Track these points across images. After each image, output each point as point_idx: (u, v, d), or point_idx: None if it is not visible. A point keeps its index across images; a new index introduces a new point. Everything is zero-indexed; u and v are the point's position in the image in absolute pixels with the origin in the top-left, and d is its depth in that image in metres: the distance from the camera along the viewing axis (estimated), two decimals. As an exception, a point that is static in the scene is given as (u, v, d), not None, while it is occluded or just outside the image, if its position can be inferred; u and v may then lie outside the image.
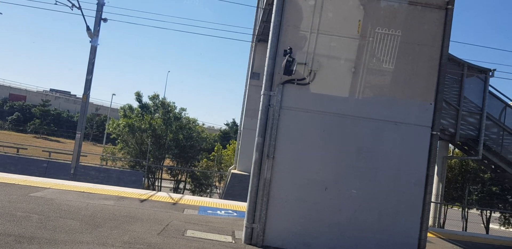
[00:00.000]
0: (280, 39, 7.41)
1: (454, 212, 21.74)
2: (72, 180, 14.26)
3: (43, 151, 30.10)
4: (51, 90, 75.78)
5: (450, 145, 16.74)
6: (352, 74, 7.44)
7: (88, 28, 17.79)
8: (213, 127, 67.42)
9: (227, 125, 58.28)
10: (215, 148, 29.50)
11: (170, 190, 24.95)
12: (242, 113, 22.00)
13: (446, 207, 19.97)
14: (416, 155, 7.41)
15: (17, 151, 28.17)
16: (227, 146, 31.77)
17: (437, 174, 15.56)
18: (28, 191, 9.07)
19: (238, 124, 27.97)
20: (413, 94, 7.48)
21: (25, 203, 7.86)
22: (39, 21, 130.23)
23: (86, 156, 27.84)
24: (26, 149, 30.12)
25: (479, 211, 21.93)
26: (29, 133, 52.77)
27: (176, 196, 11.71)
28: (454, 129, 13.51)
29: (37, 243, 5.54)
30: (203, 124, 34.09)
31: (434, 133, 7.44)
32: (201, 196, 24.56)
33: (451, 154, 19.56)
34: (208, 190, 26.41)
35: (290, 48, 7.10)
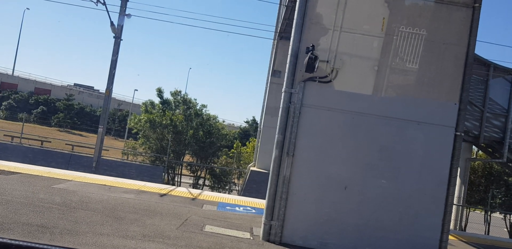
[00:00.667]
0: (303, 37, 7.37)
1: (476, 215, 21.34)
2: (94, 173, 14.49)
3: (66, 144, 30.65)
4: (75, 85, 77.07)
5: (473, 146, 16.43)
6: (375, 73, 7.35)
7: (112, 24, 18.02)
8: (233, 124, 67.58)
9: (247, 122, 58.42)
10: (235, 145, 29.61)
11: (190, 185, 25.15)
12: (262, 111, 22.01)
13: (468, 209, 19.62)
14: (439, 155, 7.28)
15: (42, 144, 28.76)
16: (247, 143, 31.87)
17: (460, 176, 15.29)
18: (51, 182, 9.26)
19: (258, 122, 27.99)
20: (438, 94, 7.35)
21: (48, 194, 8.03)
22: (65, 16, 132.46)
23: (108, 150, 28.24)
24: (50, 142, 30.71)
25: (503, 215, 21.49)
26: (53, 126, 53.82)
27: (195, 192, 11.79)
28: (478, 130, 13.25)
29: (58, 234, 5.65)
30: (223, 121, 34.25)
31: (458, 133, 7.31)
32: (220, 192, 24.69)
33: (474, 156, 19.19)
34: (227, 187, 26.55)
35: (313, 46, 7.06)
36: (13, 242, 0.62)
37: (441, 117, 7.32)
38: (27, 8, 57.36)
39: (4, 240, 0.61)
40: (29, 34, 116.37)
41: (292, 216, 7.19)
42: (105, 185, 10.05)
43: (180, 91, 27.62)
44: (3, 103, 56.67)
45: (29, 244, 0.63)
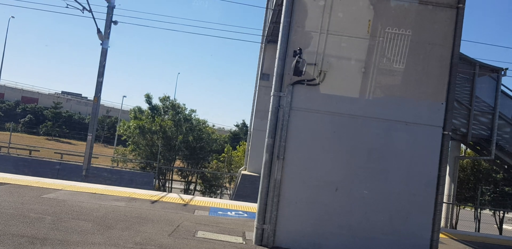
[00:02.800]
0: (290, 40, 7.40)
1: (466, 213, 21.52)
2: (84, 182, 14.36)
3: (55, 152, 30.37)
4: (63, 92, 76.53)
5: (462, 145, 16.59)
6: (362, 75, 7.40)
7: (98, 31, 17.93)
8: (223, 128, 67.50)
9: (237, 126, 58.45)
10: (225, 149, 29.57)
11: (181, 191, 25.04)
12: (252, 114, 22.03)
13: (458, 207, 19.79)
14: (428, 155, 7.34)
15: (30, 153, 28.47)
16: (237, 147, 31.83)
17: (449, 174, 15.43)
18: (40, 192, 9.16)
19: (248, 125, 27.99)
20: (424, 94, 7.42)
21: (38, 204, 7.94)
22: (50, 24, 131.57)
23: (98, 157, 28.06)
24: (39, 150, 30.41)
25: (492, 211, 21.70)
26: (41, 135, 53.31)
27: (186, 197, 11.74)
28: (466, 128, 13.39)
29: (49, 244, 5.59)
30: (213, 125, 34.16)
31: (446, 132, 7.38)
32: (212, 197, 24.61)
33: (463, 154, 19.38)
34: (218, 191, 26.48)
35: (300, 49, 7.09)
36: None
37: (428, 117, 7.39)
38: (12, 17, 56.68)
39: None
40: (15, 42, 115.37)
41: (284, 219, 7.19)
42: (95, 193, 9.97)
43: (168, 97, 27.57)
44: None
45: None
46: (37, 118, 56.56)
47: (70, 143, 51.14)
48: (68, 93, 76.30)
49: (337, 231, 7.17)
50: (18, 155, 26.20)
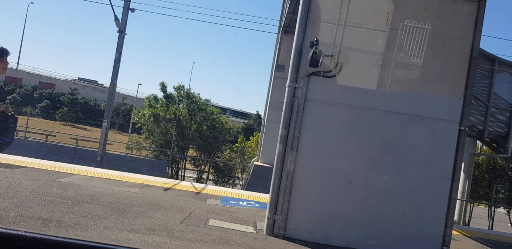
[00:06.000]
0: (307, 31, 7.35)
1: (480, 211, 21.34)
2: (98, 167, 14.56)
3: (70, 138, 30.80)
4: (79, 79, 77.19)
5: (478, 141, 16.40)
6: (379, 68, 7.33)
7: (116, 18, 18.02)
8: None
9: (250, 117, 58.37)
10: (239, 140, 29.68)
11: (193, 179, 25.23)
12: (266, 105, 21.98)
13: (472, 204, 19.62)
14: (443, 150, 7.28)
15: (46, 138, 28.90)
16: (251, 137, 31.90)
17: (464, 171, 15.29)
18: (56, 176, 9.31)
19: (262, 116, 27.97)
20: (442, 89, 7.33)
21: (53, 188, 8.08)
22: (69, 11, 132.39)
23: (112, 144, 28.34)
24: (55, 136, 30.84)
25: (506, 210, 21.48)
26: (58, 120, 54.00)
27: (199, 186, 11.84)
28: (482, 125, 13.21)
29: (64, 227, 5.70)
30: (228, 116, 34.26)
31: (463, 128, 7.29)
32: (224, 186, 24.78)
33: (478, 151, 19.15)
34: (230, 181, 26.64)
35: (317, 40, 7.04)
36: (27, 234, 0.63)
37: (445, 112, 7.31)
38: (31, 2, 57.15)
39: (20, 233, 0.63)
40: (33, 28, 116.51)
41: (295, 210, 7.22)
42: (109, 179, 10.10)
43: (183, 86, 27.68)
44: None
45: (43, 236, 0.65)
46: (53, 104, 57.24)
47: (85, 129, 51.73)
48: (85, 80, 76.94)
49: (348, 223, 7.18)
50: (34, 139, 26.63)
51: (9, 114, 4.49)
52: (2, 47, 4.31)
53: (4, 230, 0.64)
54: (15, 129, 4.74)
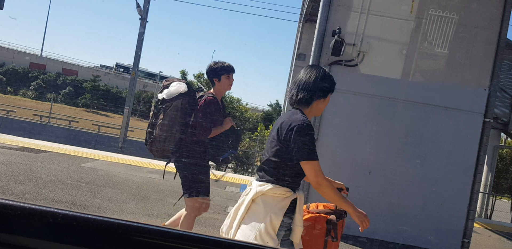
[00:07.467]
0: (329, 19, 7.25)
1: (503, 204, 21.01)
2: (119, 153, 14.79)
3: (93, 124, 31.30)
4: (101, 66, 78.08)
5: (502, 134, 16.08)
6: (403, 57, 7.21)
7: (138, 5, 18.10)
8: (256, 107, 67.58)
9: (270, 106, 58.31)
10: (258, 128, 29.72)
11: (213, 167, 25.37)
12: (285, 94, 21.91)
13: (494, 198, 19.32)
14: (467, 142, 7.15)
15: (69, 124, 29.44)
16: (270, 126, 31.89)
17: (487, 164, 15.02)
18: (79, 161, 9.50)
19: (281, 105, 27.89)
20: (467, 79, 7.17)
21: (76, 172, 8.25)
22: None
23: (133, 131, 28.70)
24: (78, 122, 31.37)
25: (529, 203, 21.09)
26: (80, 106, 54.87)
27: (218, 173, 11.93)
28: (507, 118, 12.92)
29: (87, 210, 5.82)
30: (247, 104, 34.32)
31: (487, 120, 7.14)
32: (243, 175, 24.92)
33: (503, 144, 18.79)
34: (249, 170, 26.77)
35: (339, 28, 6.95)
36: (60, 211, 0.65)
37: (469, 103, 7.16)
38: (55, -10, 57.72)
39: (52, 209, 0.65)
40: (56, 16, 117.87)
41: (314, 200, 7.20)
42: (131, 164, 10.26)
43: (203, 74, 27.73)
44: (32, 84, 57.95)
45: (74, 213, 0.66)
46: (76, 90, 58.11)
47: (107, 116, 52.48)
48: (107, 67, 77.78)
49: (368, 213, 7.12)
50: (58, 124, 27.15)
51: (238, 128, 4.86)
52: (229, 65, 4.65)
53: (37, 207, 0.65)
54: (240, 141, 5.11)
